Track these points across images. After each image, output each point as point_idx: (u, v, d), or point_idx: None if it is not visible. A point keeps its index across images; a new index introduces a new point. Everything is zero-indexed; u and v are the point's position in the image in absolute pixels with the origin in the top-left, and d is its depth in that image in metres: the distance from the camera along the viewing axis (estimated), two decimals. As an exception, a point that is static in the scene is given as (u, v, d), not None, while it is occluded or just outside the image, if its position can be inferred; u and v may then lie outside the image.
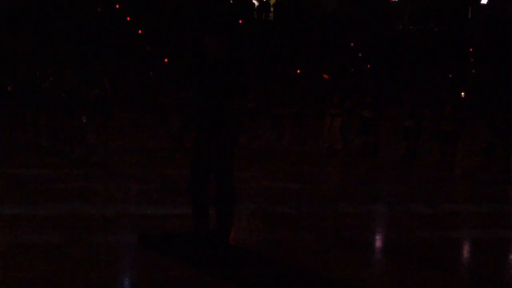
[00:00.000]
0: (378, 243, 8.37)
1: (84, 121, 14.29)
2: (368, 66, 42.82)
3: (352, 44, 43.87)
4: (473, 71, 44.39)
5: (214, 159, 6.65)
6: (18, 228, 7.88)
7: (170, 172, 13.31)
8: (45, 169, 12.94)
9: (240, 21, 41.03)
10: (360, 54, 43.68)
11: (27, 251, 6.84)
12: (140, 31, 37.74)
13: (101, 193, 10.52)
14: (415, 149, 16.95)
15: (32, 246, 7.03)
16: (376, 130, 17.93)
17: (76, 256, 6.70)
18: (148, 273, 6.29)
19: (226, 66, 6.64)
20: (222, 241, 6.71)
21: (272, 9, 44.94)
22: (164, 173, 13.20)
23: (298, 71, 40.30)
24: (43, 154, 15.15)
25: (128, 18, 38.13)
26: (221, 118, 6.58)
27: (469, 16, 50.08)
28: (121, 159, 15.01)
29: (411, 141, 16.88)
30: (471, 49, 45.54)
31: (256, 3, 45.23)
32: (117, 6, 38.23)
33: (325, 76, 40.31)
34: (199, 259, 6.48)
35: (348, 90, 29.05)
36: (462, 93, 40.18)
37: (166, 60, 36.98)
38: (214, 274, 6.17)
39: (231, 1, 43.51)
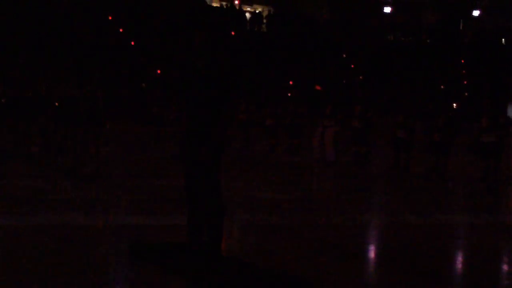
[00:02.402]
0: (370, 253, 8.36)
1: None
2: (361, 77, 42.96)
3: (344, 56, 44.02)
4: (465, 82, 44.60)
5: (199, 169, 6.64)
6: (8, 238, 7.84)
7: (162, 182, 13.28)
8: (37, 179, 12.88)
9: (233, 33, 41.13)
10: (352, 66, 43.83)
11: (17, 261, 6.80)
12: (132, 43, 37.77)
13: (93, 204, 10.48)
14: (406, 160, 16.97)
15: (22, 257, 6.99)
16: (366, 140, 17.97)
17: (67, 266, 6.67)
18: (139, 283, 6.26)
19: (211, 73, 6.63)
20: (213, 252, 6.69)
21: (264, 20, 45.07)
22: (156, 183, 13.17)
23: (291, 82, 40.38)
24: (35, 165, 15.10)
25: (121, 30, 38.17)
26: (205, 126, 6.58)
27: (461, 27, 50.36)
28: (113, 169, 14.97)
29: (402, 152, 16.89)
30: (462, 61, 45.75)
31: (249, 15, 45.39)
32: (110, 17, 38.27)
33: (318, 88, 40.40)
34: (191, 270, 6.46)
35: (340, 101, 29.09)
36: (454, 104, 40.33)
37: (158, 71, 37.02)
38: (205, 285, 6.15)
39: (224, 13, 43.67)
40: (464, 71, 45.47)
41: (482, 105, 15.82)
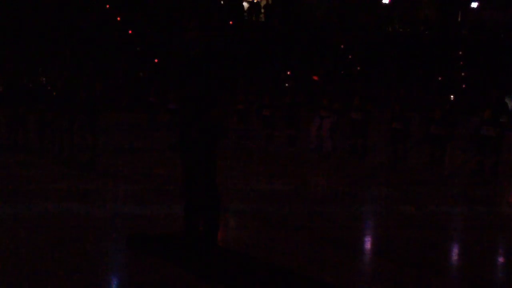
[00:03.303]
0: (367, 244, 8.39)
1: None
2: (358, 68, 42.89)
3: (342, 46, 43.94)
4: (463, 74, 44.54)
5: (195, 159, 6.63)
6: (5, 228, 7.84)
7: (160, 172, 13.29)
8: (34, 169, 12.88)
9: (231, 22, 41.02)
10: (350, 56, 43.76)
11: (15, 251, 6.80)
12: (130, 31, 37.67)
13: (90, 194, 10.49)
14: (403, 151, 16.96)
15: (19, 246, 6.99)
16: (364, 132, 17.96)
17: (64, 256, 6.67)
18: (136, 274, 6.27)
19: (205, 61, 6.61)
20: (210, 242, 6.70)
21: (262, 10, 44.94)
22: (153, 173, 13.17)
23: (289, 72, 40.32)
24: (32, 154, 15.08)
25: (119, 19, 38.06)
26: (199, 116, 6.56)
27: (459, 19, 50.27)
28: (110, 159, 14.97)
29: (398, 143, 16.89)
30: (460, 52, 45.70)
31: (247, 5, 45.25)
32: (108, 6, 38.15)
33: (315, 78, 40.37)
34: (187, 261, 6.47)
35: (338, 92, 29.06)
36: (452, 96, 40.30)
37: (156, 60, 36.93)
38: (202, 275, 6.16)
39: (222, 2, 43.55)
40: (462, 63, 45.41)
41: (488, 96, 15.67)
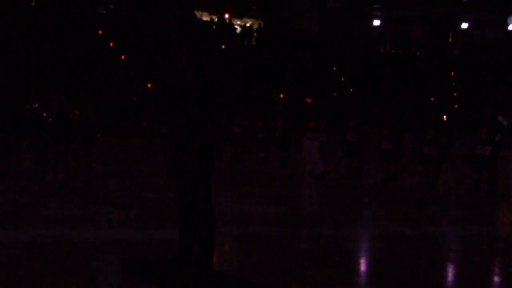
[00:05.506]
0: (362, 266, 8.37)
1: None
2: (351, 90, 43.04)
3: (334, 69, 44.14)
4: (455, 94, 44.73)
5: (187, 183, 6.63)
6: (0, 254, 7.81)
7: (154, 196, 13.26)
8: (27, 195, 12.83)
9: (223, 46, 41.21)
10: (342, 79, 43.95)
11: (8, 278, 6.77)
12: (123, 57, 37.78)
13: (84, 219, 10.45)
14: (396, 171, 16.90)
15: (12, 273, 6.96)
16: (360, 153, 17.91)
17: (58, 282, 6.64)
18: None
19: (199, 85, 6.64)
20: (205, 266, 6.67)
21: (255, 34, 45.18)
22: (147, 197, 13.14)
23: (281, 95, 40.43)
24: (26, 180, 15.04)
25: (111, 44, 38.18)
26: (190, 138, 6.57)
27: (450, 40, 50.63)
28: (104, 184, 14.93)
29: (390, 164, 16.84)
30: (452, 73, 45.94)
31: (239, 28, 45.50)
32: (100, 32, 38.29)
33: (308, 101, 40.43)
34: (182, 285, 6.45)
35: (328, 113, 29.01)
36: (444, 117, 40.40)
37: (149, 85, 37.02)
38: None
39: (214, 27, 43.79)
40: (453, 83, 45.63)
41: (482, 115, 15.56)
